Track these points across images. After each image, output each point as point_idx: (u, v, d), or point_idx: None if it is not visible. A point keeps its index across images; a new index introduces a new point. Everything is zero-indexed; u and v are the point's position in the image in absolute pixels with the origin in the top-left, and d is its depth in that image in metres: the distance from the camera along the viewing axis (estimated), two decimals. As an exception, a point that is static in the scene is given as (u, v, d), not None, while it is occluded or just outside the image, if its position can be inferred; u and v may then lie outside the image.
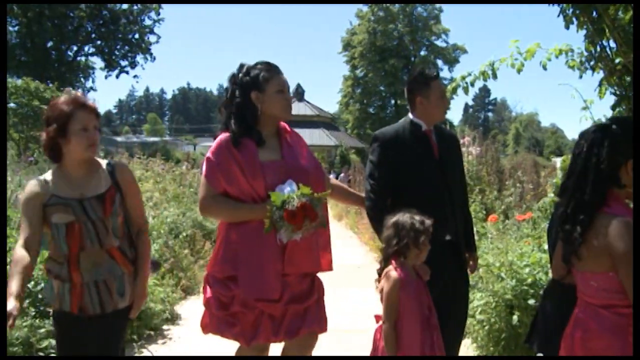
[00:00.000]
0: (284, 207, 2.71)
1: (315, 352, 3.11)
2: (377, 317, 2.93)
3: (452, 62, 46.20)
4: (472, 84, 4.29)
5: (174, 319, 6.05)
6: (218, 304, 2.91)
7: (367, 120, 45.74)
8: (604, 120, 4.02)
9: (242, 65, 3.02)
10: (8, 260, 3.45)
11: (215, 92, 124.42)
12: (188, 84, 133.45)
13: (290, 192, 2.76)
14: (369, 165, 3.44)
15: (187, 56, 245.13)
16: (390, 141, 3.37)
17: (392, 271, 2.78)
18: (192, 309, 6.44)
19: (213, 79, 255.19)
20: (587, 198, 2.10)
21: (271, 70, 2.99)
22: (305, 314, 2.93)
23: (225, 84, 3.09)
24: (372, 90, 45.85)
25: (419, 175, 3.29)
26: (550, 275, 3.17)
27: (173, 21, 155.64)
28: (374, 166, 3.36)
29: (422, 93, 3.36)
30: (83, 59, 37.44)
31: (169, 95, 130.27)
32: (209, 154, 2.93)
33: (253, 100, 2.94)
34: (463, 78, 4.34)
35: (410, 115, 3.45)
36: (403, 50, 45.67)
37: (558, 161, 6.12)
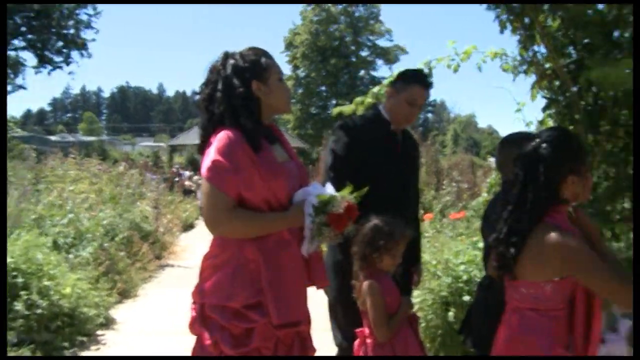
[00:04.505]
0: (328, 210, 2.36)
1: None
2: (360, 333, 2.85)
3: (392, 62, 46.78)
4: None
5: (108, 323, 5.88)
6: (233, 342, 2.30)
7: (308, 121, 45.74)
8: (535, 122, 4.18)
9: (228, 54, 2.49)
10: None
11: (155, 91, 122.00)
12: (127, 82, 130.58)
13: (323, 193, 2.42)
14: (330, 155, 3.23)
15: (126, 54, 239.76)
16: (357, 132, 3.23)
17: (366, 282, 2.73)
18: (128, 313, 6.32)
19: (153, 77, 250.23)
20: (524, 224, 2.11)
21: (269, 55, 2.52)
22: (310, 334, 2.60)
23: (204, 76, 2.52)
24: (314, 90, 45.93)
25: (381, 174, 3.11)
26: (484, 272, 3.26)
27: (112, 18, 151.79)
28: (336, 157, 3.18)
29: (397, 89, 3.25)
30: (13, 53, 35.94)
31: (106, 94, 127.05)
32: (216, 156, 2.28)
33: (255, 92, 2.42)
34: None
35: (379, 107, 3.36)
36: (344, 50, 45.95)
37: (494, 161, 6.29)
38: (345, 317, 3.20)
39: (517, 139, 2.96)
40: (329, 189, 2.44)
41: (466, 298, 4.22)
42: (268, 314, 2.30)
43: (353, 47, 46.58)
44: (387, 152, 3.23)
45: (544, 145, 2.12)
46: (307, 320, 2.50)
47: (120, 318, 6.10)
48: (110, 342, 5.38)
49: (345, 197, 2.38)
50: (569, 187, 2.12)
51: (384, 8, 47.52)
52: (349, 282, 2.91)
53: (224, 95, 2.40)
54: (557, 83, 3.81)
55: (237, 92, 2.39)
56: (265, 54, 2.50)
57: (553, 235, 2.04)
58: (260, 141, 2.36)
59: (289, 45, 46.77)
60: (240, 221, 2.31)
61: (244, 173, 2.29)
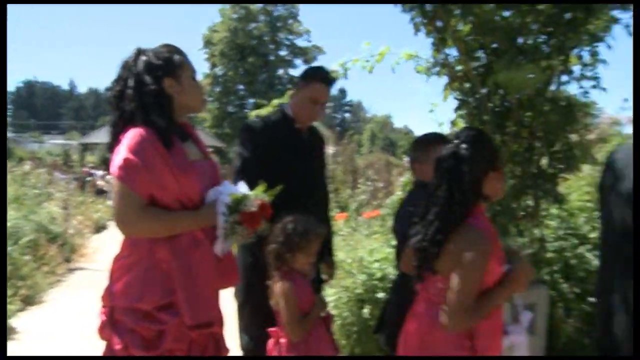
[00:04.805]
0: (242, 209, 2.34)
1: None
2: (274, 333, 2.81)
3: (310, 62, 46.99)
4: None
5: (8, 333, 5.47)
6: (143, 345, 2.24)
7: (225, 120, 45.24)
8: (447, 123, 4.32)
9: (140, 50, 2.42)
10: None
11: (65, 87, 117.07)
12: (34, 77, 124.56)
13: (236, 192, 2.39)
14: (239, 158, 3.19)
15: (34, 48, 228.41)
16: (263, 133, 3.20)
17: (278, 283, 2.71)
18: (33, 321, 5.99)
19: (63, 73, 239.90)
20: (451, 223, 2.16)
21: (182, 53, 2.47)
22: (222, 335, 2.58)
23: (116, 73, 2.44)
24: (232, 89, 45.48)
25: (289, 172, 3.03)
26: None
27: (18, 10, 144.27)
28: (243, 160, 3.15)
29: (300, 87, 3.25)
30: None
31: (11, 88, 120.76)
32: (127, 154, 2.21)
33: (167, 89, 2.37)
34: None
35: (284, 106, 3.34)
36: (263, 49, 45.77)
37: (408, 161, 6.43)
38: (253, 319, 3.18)
39: (430, 140, 3.05)
40: (242, 188, 2.43)
41: (380, 295, 4.29)
42: (180, 314, 2.26)
43: (272, 46, 46.49)
44: (294, 151, 3.22)
45: (463, 145, 2.18)
46: (220, 321, 2.47)
47: (23, 327, 5.73)
48: (9, 353, 5.03)
49: (259, 195, 2.39)
50: (490, 184, 2.21)
51: (303, 8, 47.60)
52: (258, 284, 2.89)
53: (135, 92, 2.34)
54: (467, 85, 3.96)
55: (149, 89, 2.34)
56: (178, 51, 2.45)
57: (469, 238, 2.12)
58: (172, 139, 2.32)
59: (208, 43, 46.11)
60: (152, 221, 2.26)
61: (155, 171, 2.24)
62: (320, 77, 3.25)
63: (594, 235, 4.67)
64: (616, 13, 3.72)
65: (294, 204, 2.73)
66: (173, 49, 2.45)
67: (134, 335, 2.24)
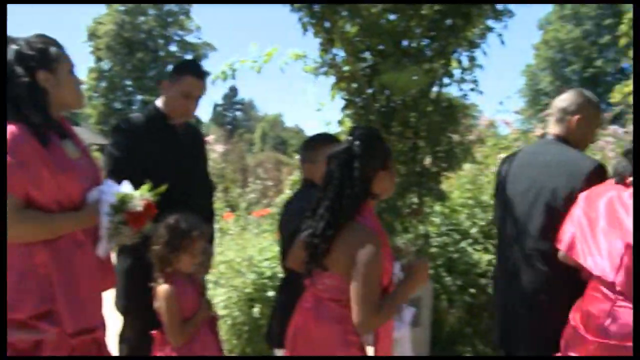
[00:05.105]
0: (127, 208, 2.27)
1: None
2: (157, 336, 2.70)
3: (201, 59, 46.26)
4: (213, 83, 4.33)
5: None
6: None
7: (112, 116, 43.52)
8: (335, 122, 4.39)
9: (10, 38, 2.24)
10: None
11: None
12: None
13: (118, 191, 2.31)
14: (108, 159, 3.02)
15: None
16: (135, 131, 3.07)
17: (161, 287, 2.61)
18: None
19: None
20: (341, 219, 2.19)
21: (59, 45, 2.31)
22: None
23: None
24: (118, 84, 43.86)
25: (166, 171, 2.87)
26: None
27: None
28: (115, 160, 2.98)
29: (171, 81, 3.11)
30: None
31: None
32: None
33: (41, 82, 2.22)
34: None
35: (157, 102, 3.19)
36: (152, 44, 44.48)
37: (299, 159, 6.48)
38: (134, 326, 3.05)
39: (320, 140, 3.09)
40: (126, 188, 2.36)
41: (271, 294, 4.29)
42: (60, 322, 2.15)
43: (161, 41, 45.30)
44: (170, 148, 3.10)
45: (356, 143, 2.22)
46: (103, 325, 2.39)
47: None
48: None
49: (144, 195, 2.34)
50: (380, 182, 2.25)
51: (195, 4, 46.69)
52: (140, 288, 2.78)
53: (5, 84, 2.18)
54: (354, 85, 4.03)
55: (20, 81, 2.18)
56: (55, 43, 2.31)
57: (359, 236, 2.16)
58: (48, 136, 2.19)
59: (92, 36, 44.13)
60: (29, 223, 2.14)
61: (31, 170, 2.11)
62: (192, 70, 3.13)
63: (474, 230, 4.93)
64: (490, 22, 3.97)
65: (174, 202, 2.62)
66: (49, 41, 2.29)
67: (8, 347, 2.07)
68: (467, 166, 5.01)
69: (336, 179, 2.21)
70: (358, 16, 3.83)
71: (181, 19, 45.59)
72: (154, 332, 2.71)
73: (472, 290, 4.59)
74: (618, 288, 2.26)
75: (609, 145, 5.75)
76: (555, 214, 2.67)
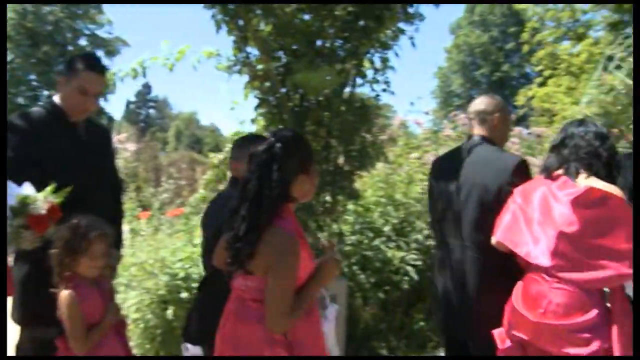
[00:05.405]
0: (28, 211, 2.17)
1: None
2: (60, 344, 2.56)
3: (113, 54, 44.82)
4: (122, 80, 4.21)
5: None
6: None
7: (14, 112, 41.50)
8: (248, 120, 4.38)
9: None
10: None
11: None
12: None
13: (18, 193, 2.19)
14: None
15: None
16: (29, 130, 2.87)
17: (62, 293, 2.49)
18: None
19: None
20: (262, 221, 2.17)
21: None
22: None
23: None
24: (22, 78, 41.77)
25: (65, 170, 2.74)
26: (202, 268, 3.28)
27: None
28: (10, 161, 2.65)
29: (67, 77, 2.92)
30: None
31: None
32: None
33: None
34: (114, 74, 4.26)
35: (54, 98, 2.99)
36: (59, 38, 42.66)
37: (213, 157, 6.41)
38: (34, 338, 2.86)
39: (248, 140, 3.08)
40: (28, 189, 2.26)
41: (184, 295, 4.22)
42: None
43: (69, 35, 43.52)
44: (70, 147, 2.92)
45: (277, 144, 2.21)
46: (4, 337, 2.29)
47: None
48: None
49: (47, 197, 2.25)
50: (299, 186, 2.25)
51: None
52: (39, 297, 2.63)
53: None
54: (267, 84, 4.03)
55: None
56: None
57: (275, 241, 2.15)
58: None
59: (-9, 25, 41.82)
60: None
61: None
62: (90, 65, 2.94)
63: (387, 228, 5.04)
64: (402, 25, 4.08)
65: (77, 203, 2.49)
66: None
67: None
68: (379, 165, 5.11)
69: (255, 179, 2.20)
70: (272, 15, 3.84)
71: (92, 13, 43.97)
72: (57, 339, 2.60)
73: (386, 287, 4.71)
74: (553, 272, 2.57)
75: (515, 145, 6.07)
76: (487, 208, 2.93)
